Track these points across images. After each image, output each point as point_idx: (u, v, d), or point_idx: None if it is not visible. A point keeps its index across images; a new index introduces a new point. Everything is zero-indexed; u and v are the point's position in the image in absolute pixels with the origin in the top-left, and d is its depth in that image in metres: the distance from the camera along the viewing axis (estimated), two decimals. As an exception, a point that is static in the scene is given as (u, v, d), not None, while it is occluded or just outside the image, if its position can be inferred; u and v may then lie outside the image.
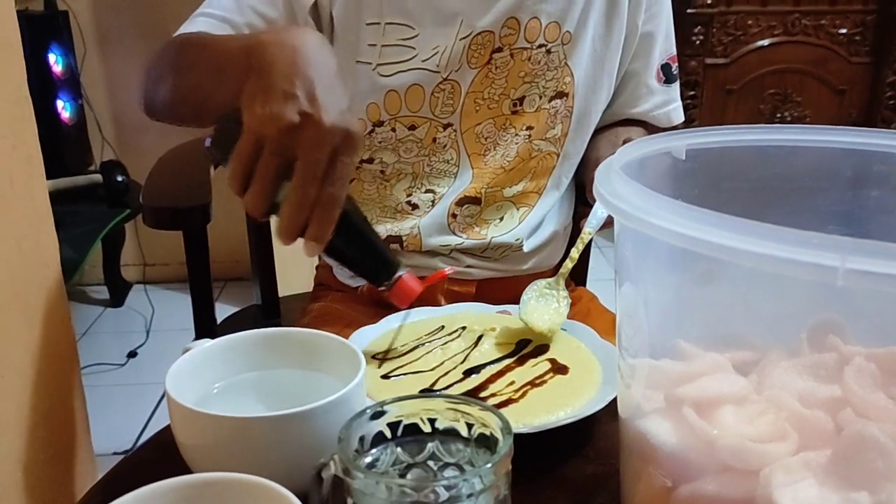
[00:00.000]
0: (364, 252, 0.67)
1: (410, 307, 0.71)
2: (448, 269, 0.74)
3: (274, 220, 0.64)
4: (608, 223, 0.78)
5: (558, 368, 0.70)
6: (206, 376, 0.61)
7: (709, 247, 0.40)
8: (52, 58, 2.33)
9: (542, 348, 0.74)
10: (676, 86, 1.03)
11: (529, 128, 0.95)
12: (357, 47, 0.90)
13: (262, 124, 0.59)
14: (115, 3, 2.51)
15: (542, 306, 0.78)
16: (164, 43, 0.84)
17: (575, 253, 0.79)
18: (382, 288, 0.69)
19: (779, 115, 2.64)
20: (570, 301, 0.80)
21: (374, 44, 0.89)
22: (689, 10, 2.46)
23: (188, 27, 0.88)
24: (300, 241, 0.62)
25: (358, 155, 0.61)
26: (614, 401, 0.58)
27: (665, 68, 1.01)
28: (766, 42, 2.57)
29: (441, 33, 0.89)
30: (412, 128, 0.92)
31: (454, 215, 0.97)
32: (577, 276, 1.18)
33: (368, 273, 0.69)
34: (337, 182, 0.60)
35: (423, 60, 0.89)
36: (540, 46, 0.91)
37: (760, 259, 0.37)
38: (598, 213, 0.78)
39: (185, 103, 0.78)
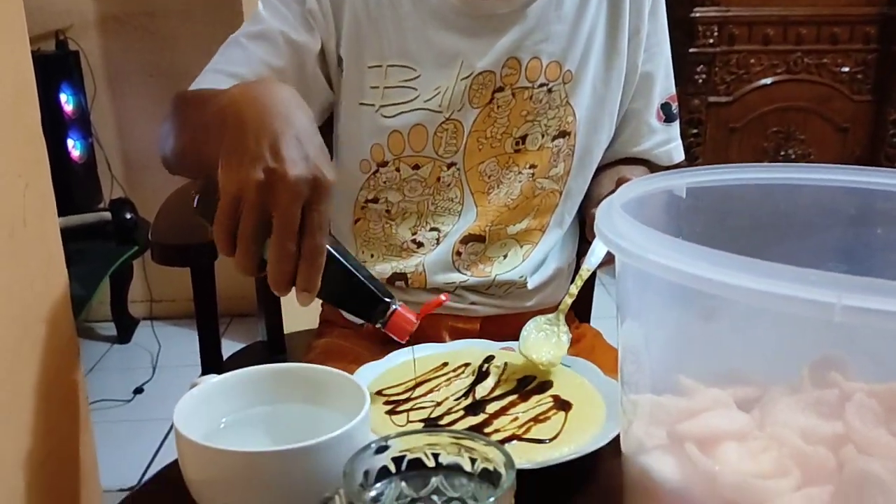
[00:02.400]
0: (354, 293, 0.67)
1: (410, 338, 0.72)
2: (443, 297, 0.74)
3: None
4: (608, 260, 0.79)
5: (562, 405, 0.70)
6: (213, 411, 0.61)
7: (708, 284, 0.40)
8: (62, 97, 2.37)
9: (546, 385, 0.74)
10: (677, 125, 1.04)
11: (533, 166, 0.96)
12: (360, 90, 0.92)
13: (234, 185, 0.60)
14: (125, 44, 2.56)
15: (543, 340, 0.78)
16: (172, 99, 0.86)
17: (574, 289, 0.80)
18: (378, 325, 0.68)
19: (782, 153, 2.65)
20: (570, 336, 0.80)
21: (376, 86, 0.91)
22: (691, 50, 2.50)
23: (198, 83, 0.90)
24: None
25: (331, 201, 0.62)
26: (618, 437, 0.58)
27: (665, 107, 1.02)
28: (768, 80, 2.59)
29: (442, 74, 0.90)
30: (416, 167, 0.94)
31: (458, 253, 0.98)
32: (581, 314, 1.18)
33: (362, 312, 0.68)
34: (315, 232, 0.60)
35: (426, 101, 0.91)
36: (541, 86, 0.93)
37: (759, 296, 0.38)
38: (596, 251, 0.79)
39: (187, 160, 0.80)
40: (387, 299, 0.67)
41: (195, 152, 0.73)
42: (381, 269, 0.98)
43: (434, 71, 0.90)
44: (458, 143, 0.93)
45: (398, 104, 0.91)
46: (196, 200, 0.67)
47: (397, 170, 0.94)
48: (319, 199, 0.60)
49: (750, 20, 2.52)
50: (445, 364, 0.78)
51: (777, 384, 0.52)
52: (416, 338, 0.95)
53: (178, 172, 0.86)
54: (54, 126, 2.31)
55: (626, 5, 0.95)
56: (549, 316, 0.81)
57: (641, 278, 0.50)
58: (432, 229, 0.97)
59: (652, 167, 1.04)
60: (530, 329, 0.79)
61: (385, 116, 0.91)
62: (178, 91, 0.87)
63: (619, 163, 1.04)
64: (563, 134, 0.96)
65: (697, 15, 2.47)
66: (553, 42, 0.92)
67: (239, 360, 1.26)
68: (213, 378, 0.62)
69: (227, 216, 0.60)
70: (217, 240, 0.62)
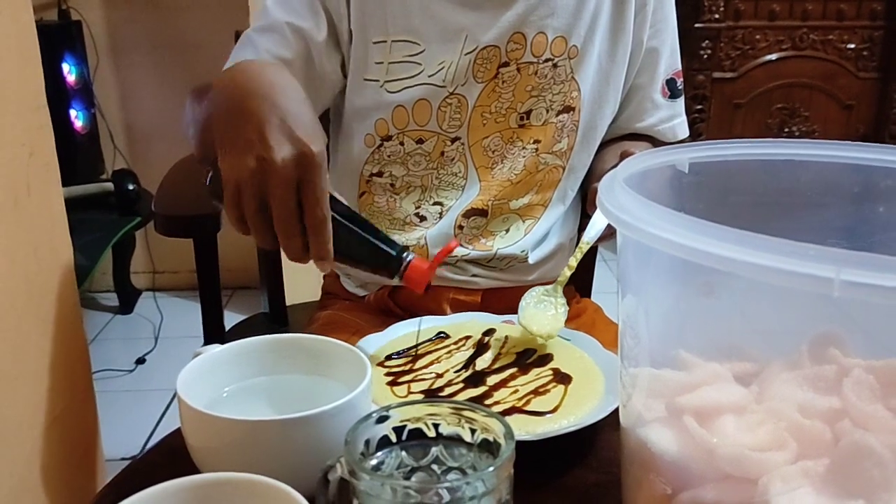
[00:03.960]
0: (367, 253, 0.69)
1: (416, 303, 0.71)
2: (454, 242, 0.74)
3: None
4: (609, 235, 0.79)
5: (562, 378, 0.71)
6: (216, 380, 0.62)
7: (707, 257, 0.40)
8: (65, 67, 2.36)
9: (546, 358, 0.75)
10: (681, 101, 1.04)
11: (537, 141, 0.96)
12: (365, 65, 0.91)
13: (232, 174, 0.63)
14: (128, 14, 2.54)
15: (541, 312, 0.79)
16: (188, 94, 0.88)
17: (573, 261, 0.81)
18: (395, 279, 0.70)
19: (786, 130, 2.64)
20: (567, 308, 0.81)
21: (380, 61, 0.91)
22: (696, 25, 2.48)
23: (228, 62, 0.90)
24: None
25: (324, 171, 0.64)
26: (617, 410, 0.58)
27: (670, 83, 1.02)
28: (773, 56, 2.57)
29: (446, 49, 0.90)
30: (420, 141, 0.94)
31: (461, 227, 0.98)
32: (582, 289, 1.18)
33: (378, 269, 0.70)
34: (314, 206, 0.63)
35: (430, 76, 0.91)
36: (546, 61, 0.93)
37: (758, 270, 0.38)
38: (596, 225, 0.79)
39: (199, 151, 0.81)
40: (400, 254, 0.69)
41: (201, 143, 0.76)
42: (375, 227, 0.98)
43: (438, 46, 0.90)
44: (462, 118, 0.93)
45: (402, 79, 0.91)
46: (208, 179, 0.69)
47: (401, 143, 0.94)
48: (311, 173, 0.62)
49: (757, -6, 2.50)
50: (447, 336, 0.79)
51: (776, 360, 0.52)
52: (418, 311, 0.96)
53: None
54: (57, 97, 2.30)
55: None
56: (548, 287, 0.81)
57: (642, 252, 0.50)
58: (435, 203, 0.97)
59: (656, 143, 1.04)
60: (529, 301, 0.80)
61: (389, 91, 0.91)
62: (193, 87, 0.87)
63: (622, 139, 1.03)
64: (568, 109, 0.96)
65: (704, -11, 2.45)
66: (558, 17, 0.91)
67: (241, 332, 1.27)
68: (216, 348, 0.63)
69: (233, 202, 0.64)
70: (231, 222, 0.66)
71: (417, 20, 0.90)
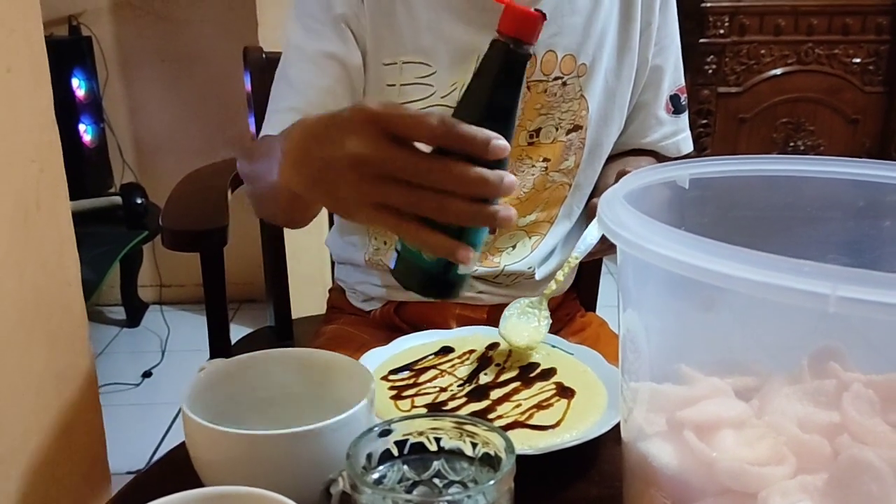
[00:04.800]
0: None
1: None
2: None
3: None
4: (606, 248, 0.79)
5: (565, 392, 0.71)
6: (221, 394, 0.62)
7: (705, 274, 0.41)
8: (75, 82, 2.38)
9: (550, 372, 0.75)
10: (685, 116, 1.05)
11: (546, 159, 0.96)
12: (378, 89, 0.91)
13: (356, 210, 0.56)
14: (137, 29, 2.57)
15: (523, 323, 0.80)
16: (242, 151, 0.88)
17: (560, 276, 0.81)
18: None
19: (792, 144, 2.64)
20: (550, 321, 0.81)
21: (393, 84, 0.91)
22: (701, 40, 2.48)
23: (265, 129, 0.90)
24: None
25: (392, 105, 0.54)
26: (618, 425, 0.59)
27: (674, 99, 1.02)
28: (778, 71, 2.58)
29: (458, 69, 0.90)
30: None
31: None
32: (587, 302, 1.19)
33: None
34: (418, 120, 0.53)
35: (442, 97, 0.91)
36: (556, 79, 0.93)
37: (754, 286, 0.39)
38: (586, 239, 0.80)
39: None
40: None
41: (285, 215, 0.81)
42: (394, 255, 0.99)
43: (449, 66, 0.90)
44: None
45: (415, 101, 0.91)
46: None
47: None
48: (382, 118, 0.53)
49: (761, 10, 2.50)
50: (451, 350, 0.79)
51: (776, 374, 0.52)
52: (424, 326, 0.96)
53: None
54: (66, 111, 2.32)
55: (639, 1, 0.95)
56: (532, 299, 0.82)
57: (642, 268, 0.51)
58: None
59: (660, 158, 1.04)
60: (512, 311, 0.81)
61: None
62: (243, 146, 0.85)
63: (627, 154, 1.04)
64: (577, 128, 0.96)
65: (708, 5, 2.46)
66: (567, 35, 0.92)
67: (246, 345, 1.27)
68: (221, 362, 0.64)
69: (395, 229, 0.55)
70: (425, 250, 0.56)
71: (428, 41, 0.90)
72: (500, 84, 0.55)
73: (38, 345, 1.03)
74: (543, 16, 0.55)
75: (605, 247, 0.80)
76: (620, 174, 0.77)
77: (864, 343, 0.50)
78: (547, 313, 0.82)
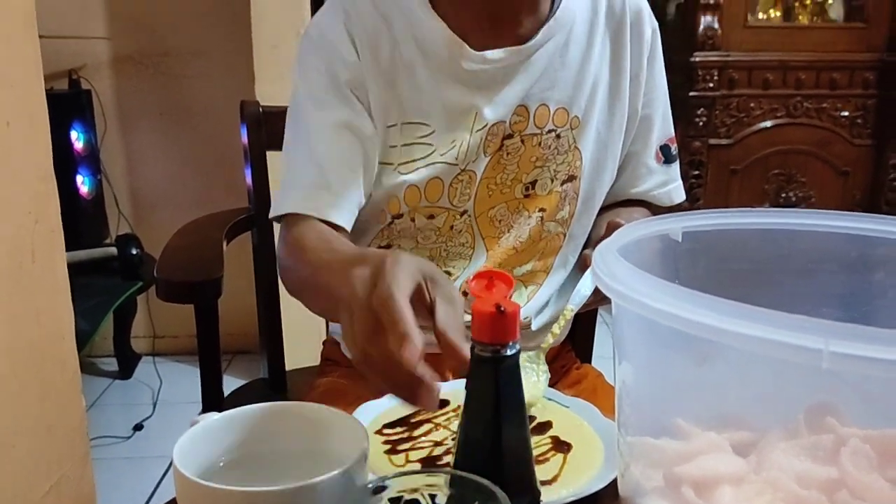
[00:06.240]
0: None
1: None
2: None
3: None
4: (597, 300, 0.79)
5: (561, 446, 0.70)
6: (212, 449, 0.62)
7: (700, 328, 0.41)
8: (73, 135, 2.40)
9: (546, 425, 0.74)
10: (676, 166, 1.06)
11: (542, 210, 0.97)
12: (383, 150, 0.92)
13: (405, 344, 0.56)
14: (137, 82, 2.60)
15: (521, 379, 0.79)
16: (300, 259, 0.85)
17: (557, 329, 0.81)
18: None
19: (783, 195, 2.67)
20: (549, 375, 0.81)
21: (394, 145, 0.92)
22: (691, 93, 2.53)
23: (292, 204, 0.90)
24: None
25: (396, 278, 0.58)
26: (615, 480, 0.58)
27: (664, 149, 1.03)
28: (768, 124, 2.62)
29: (456, 127, 0.92)
30: (431, 217, 0.95)
31: (465, 293, 0.98)
32: (583, 354, 1.18)
33: None
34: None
35: (442, 154, 0.92)
36: (549, 131, 0.94)
37: (748, 341, 0.39)
38: (581, 291, 0.80)
39: None
40: None
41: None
42: None
43: (448, 125, 0.92)
44: (471, 192, 0.94)
45: (415, 160, 0.92)
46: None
47: (412, 220, 0.95)
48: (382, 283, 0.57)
49: (749, 65, 2.55)
50: (447, 402, 0.79)
51: (774, 429, 0.52)
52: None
53: None
54: (64, 163, 2.33)
55: (627, 52, 0.97)
56: (530, 354, 0.81)
57: (636, 321, 0.51)
58: (443, 272, 0.98)
59: (652, 208, 1.05)
60: None
61: (402, 173, 0.92)
62: (301, 254, 0.85)
63: (619, 204, 1.05)
64: (571, 178, 0.97)
65: (697, 59, 2.51)
66: (559, 89, 0.94)
67: (240, 398, 1.26)
68: (214, 416, 0.63)
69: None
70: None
71: (427, 104, 0.92)
72: (497, 392, 0.52)
73: (30, 396, 1.02)
74: (516, 309, 0.51)
75: (600, 297, 0.80)
76: (611, 225, 0.78)
77: (860, 396, 0.50)
78: (545, 367, 0.81)
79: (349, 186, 0.90)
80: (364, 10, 0.92)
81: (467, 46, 0.90)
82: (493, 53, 0.91)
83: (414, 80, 0.91)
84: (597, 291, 0.78)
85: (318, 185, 0.90)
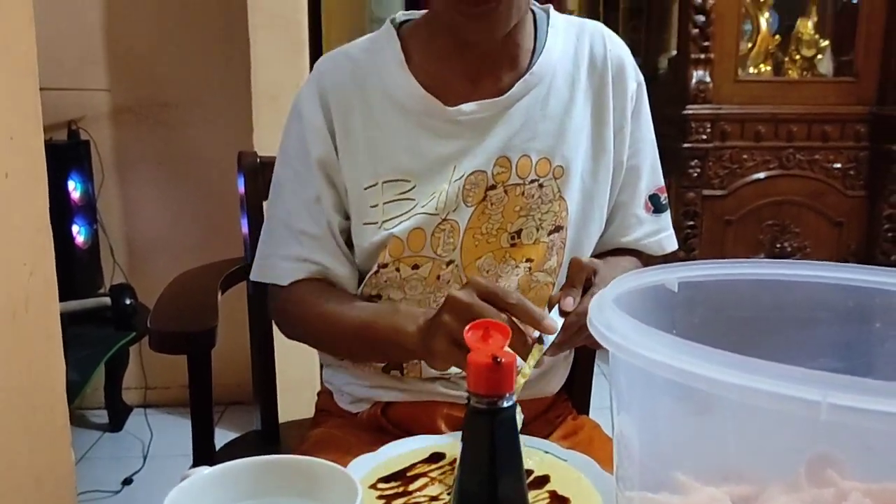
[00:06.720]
0: None
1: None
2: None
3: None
4: (567, 341, 0.80)
5: (559, 501, 0.69)
6: (203, 503, 0.60)
7: (697, 379, 0.41)
8: (71, 184, 2.41)
9: (543, 479, 0.73)
10: (667, 215, 1.06)
11: (529, 260, 0.97)
12: (363, 210, 0.95)
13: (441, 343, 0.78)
14: (136, 133, 2.62)
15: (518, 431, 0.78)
16: (295, 309, 0.98)
17: (527, 370, 0.80)
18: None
19: (778, 246, 2.67)
20: (523, 417, 0.79)
21: (375, 204, 0.94)
22: (684, 145, 2.55)
23: (272, 276, 0.99)
24: None
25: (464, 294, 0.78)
26: (614, 535, 0.57)
27: (653, 199, 1.04)
28: (761, 175, 2.64)
29: (436, 179, 0.94)
30: (415, 267, 0.95)
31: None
32: (580, 405, 1.17)
33: None
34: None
35: (423, 206, 0.94)
36: (532, 181, 0.95)
37: (746, 393, 0.38)
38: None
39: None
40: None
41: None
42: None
43: (428, 179, 0.94)
44: (456, 242, 0.95)
45: (398, 216, 0.94)
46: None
47: (397, 270, 0.95)
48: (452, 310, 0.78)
49: (741, 118, 2.59)
50: (443, 456, 0.78)
51: (774, 482, 0.51)
52: (412, 428, 0.95)
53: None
54: (60, 212, 2.34)
55: (610, 104, 0.99)
56: None
57: (634, 372, 0.51)
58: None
59: (643, 257, 1.06)
60: None
61: (386, 229, 0.94)
62: (320, 311, 0.95)
63: (608, 253, 1.05)
64: (558, 228, 0.98)
65: (690, 112, 2.54)
66: (541, 139, 0.95)
67: (232, 451, 1.24)
68: (204, 470, 0.62)
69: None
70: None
71: (405, 159, 0.94)
72: (493, 444, 0.50)
73: (19, 449, 1.00)
74: (512, 360, 0.50)
75: (571, 337, 0.79)
76: (572, 262, 0.83)
77: (860, 448, 0.50)
78: (522, 416, 0.80)
79: (332, 254, 0.97)
80: (340, 80, 0.96)
81: (440, 103, 0.93)
82: (469, 107, 0.93)
83: (392, 139, 0.94)
84: (565, 330, 0.79)
85: (298, 258, 0.96)
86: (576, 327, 0.79)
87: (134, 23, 2.53)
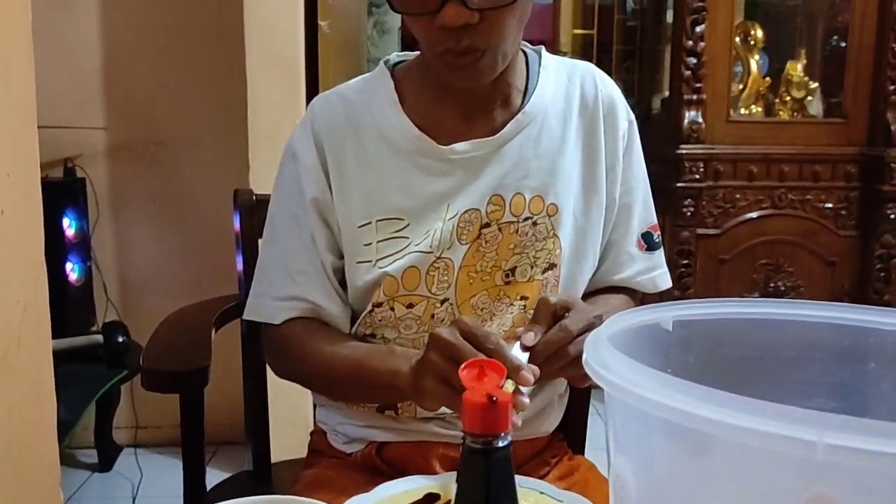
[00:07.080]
0: None
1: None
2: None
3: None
4: (549, 374, 0.80)
5: (554, 542, 0.68)
6: (193, 546, 0.59)
7: (692, 419, 0.41)
8: (66, 222, 2.41)
9: (538, 521, 0.72)
10: (660, 253, 1.07)
11: (524, 297, 0.97)
12: (356, 249, 0.95)
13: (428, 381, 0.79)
14: (131, 171, 2.63)
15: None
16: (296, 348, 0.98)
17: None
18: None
19: (772, 285, 2.68)
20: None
21: (369, 242, 0.95)
22: (678, 184, 2.57)
23: (270, 315, 0.99)
24: None
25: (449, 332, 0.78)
26: (611, 578, 0.56)
27: (646, 237, 1.05)
28: (754, 214, 2.66)
29: (430, 217, 0.94)
30: (410, 306, 0.95)
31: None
32: (575, 444, 1.16)
33: None
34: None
35: (417, 245, 0.94)
36: (526, 219, 0.96)
37: (742, 433, 0.38)
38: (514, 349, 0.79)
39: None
40: None
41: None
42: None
43: (422, 217, 0.94)
44: (450, 279, 0.95)
45: (392, 255, 0.94)
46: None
47: (392, 309, 0.95)
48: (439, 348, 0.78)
49: (734, 157, 2.61)
50: (438, 496, 0.77)
51: (771, 524, 0.51)
52: (406, 468, 0.94)
53: None
54: (55, 249, 2.34)
55: (602, 143, 1.00)
56: None
57: (629, 411, 0.50)
58: None
59: (637, 295, 1.06)
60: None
61: (380, 267, 0.94)
62: (314, 351, 0.96)
63: (601, 291, 1.05)
64: (552, 266, 0.98)
65: (683, 152, 2.57)
66: (534, 178, 0.96)
67: (222, 492, 1.22)
68: (197, 510, 0.61)
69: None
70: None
71: (399, 198, 0.94)
72: (488, 484, 0.51)
73: (6, 489, 0.99)
74: (507, 399, 0.50)
75: (542, 368, 0.79)
76: (540, 303, 0.84)
77: (857, 488, 0.49)
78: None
79: (326, 293, 0.97)
80: (333, 120, 0.97)
81: (433, 142, 0.94)
82: (462, 146, 0.94)
83: (385, 178, 0.95)
84: (549, 363, 0.79)
85: (296, 298, 0.96)
86: (542, 357, 0.79)
87: (133, 66, 2.56)
